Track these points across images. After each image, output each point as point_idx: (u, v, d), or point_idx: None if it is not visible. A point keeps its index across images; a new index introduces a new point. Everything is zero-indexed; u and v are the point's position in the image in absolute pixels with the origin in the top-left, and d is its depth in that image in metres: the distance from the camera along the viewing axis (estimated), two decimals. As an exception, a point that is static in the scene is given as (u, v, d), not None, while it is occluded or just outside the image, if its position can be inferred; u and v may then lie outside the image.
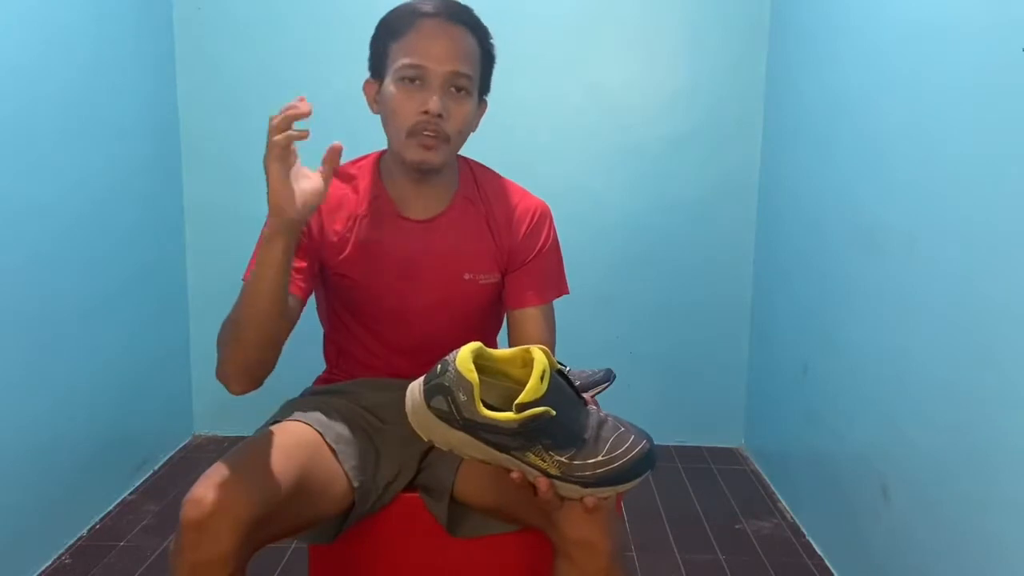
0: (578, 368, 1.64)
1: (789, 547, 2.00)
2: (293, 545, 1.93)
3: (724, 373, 2.65)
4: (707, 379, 2.65)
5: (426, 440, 0.91)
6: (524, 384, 0.85)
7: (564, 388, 0.89)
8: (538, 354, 0.87)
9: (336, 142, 0.99)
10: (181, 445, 2.59)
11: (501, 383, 0.92)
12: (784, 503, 2.25)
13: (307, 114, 0.93)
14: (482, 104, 1.24)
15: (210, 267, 2.60)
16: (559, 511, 0.98)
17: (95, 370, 2.07)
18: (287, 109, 0.93)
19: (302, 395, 1.30)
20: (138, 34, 2.30)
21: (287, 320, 1.09)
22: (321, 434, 1.12)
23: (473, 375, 0.85)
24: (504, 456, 0.88)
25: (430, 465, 1.22)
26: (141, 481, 2.31)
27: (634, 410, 2.57)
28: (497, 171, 1.33)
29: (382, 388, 1.26)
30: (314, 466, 1.07)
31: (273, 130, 0.93)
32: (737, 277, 2.60)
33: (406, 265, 1.23)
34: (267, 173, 0.95)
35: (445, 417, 0.87)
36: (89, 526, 2.04)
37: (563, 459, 0.87)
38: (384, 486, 1.19)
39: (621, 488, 0.89)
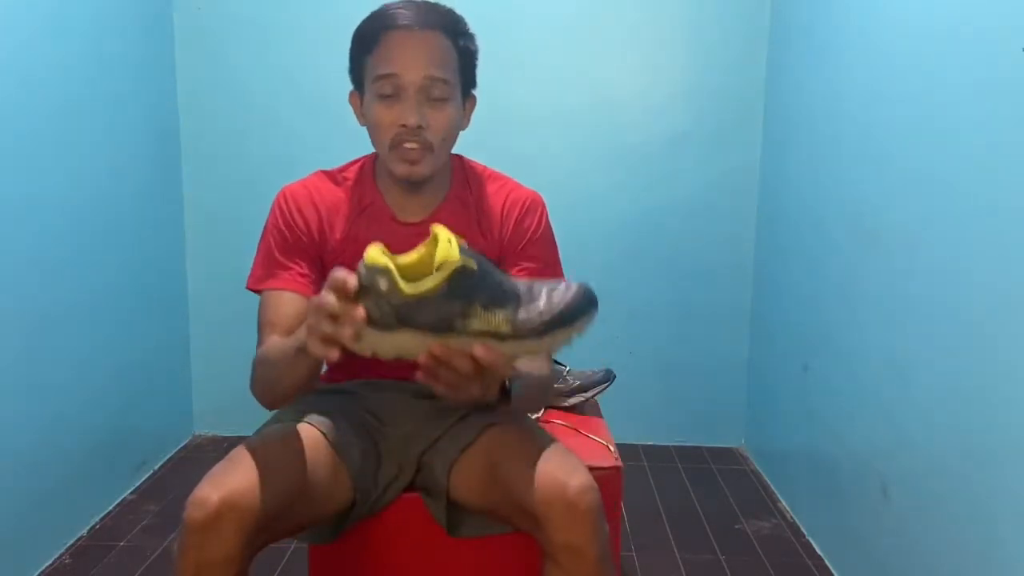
0: (578, 368, 1.64)
1: (789, 547, 2.00)
2: (293, 545, 1.92)
3: (724, 373, 2.65)
4: (707, 379, 2.65)
5: (370, 355, 0.87)
6: None
7: (478, 255, 0.87)
8: (439, 228, 0.85)
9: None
10: (181, 445, 2.59)
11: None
12: (784, 503, 2.25)
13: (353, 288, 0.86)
14: (470, 100, 1.23)
15: (210, 267, 2.60)
16: (546, 517, 0.98)
17: (95, 370, 2.07)
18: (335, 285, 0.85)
19: (303, 395, 1.30)
20: (138, 34, 2.30)
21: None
22: (324, 434, 1.12)
23: (383, 259, 0.83)
24: (452, 338, 0.85)
25: (427, 465, 1.22)
26: (141, 481, 2.31)
27: (634, 410, 2.59)
28: (494, 167, 1.32)
29: (382, 388, 1.26)
30: (317, 466, 1.07)
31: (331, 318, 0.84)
32: (737, 276, 2.60)
33: None
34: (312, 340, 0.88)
35: (379, 320, 0.84)
36: (89, 526, 2.03)
37: (508, 314, 0.85)
38: (384, 486, 1.19)
39: (575, 327, 0.87)
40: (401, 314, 0.84)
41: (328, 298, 0.84)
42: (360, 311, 0.83)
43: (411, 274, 0.86)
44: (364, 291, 0.84)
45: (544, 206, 1.28)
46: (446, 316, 0.84)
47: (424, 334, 0.85)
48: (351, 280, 0.84)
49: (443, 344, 0.86)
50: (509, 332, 0.85)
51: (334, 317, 0.83)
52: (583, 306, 0.87)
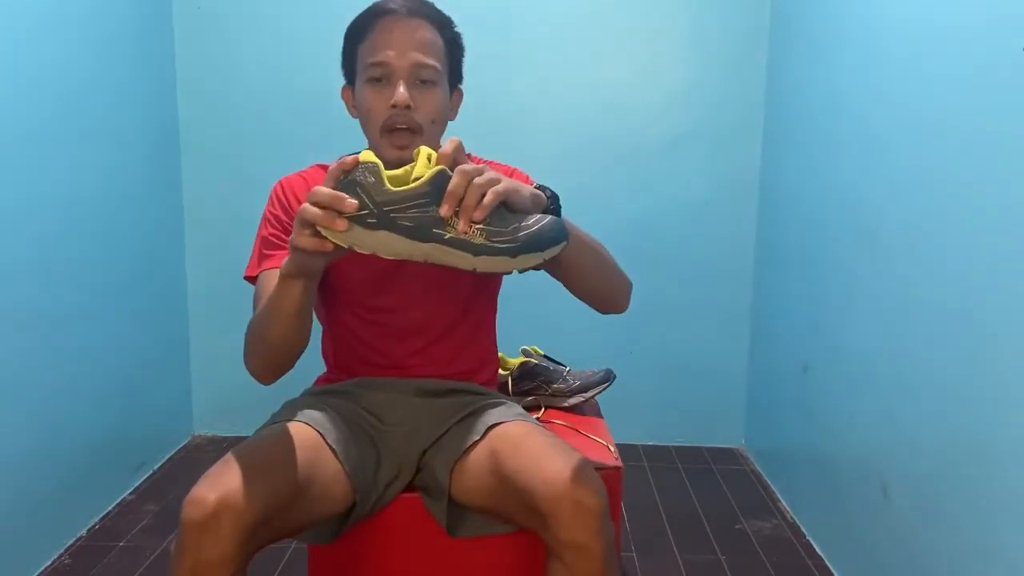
0: (578, 368, 1.64)
1: (789, 547, 2.00)
2: (293, 545, 1.93)
3: (724, 373, 2.65)
4: (707, 379, 2.65)
5: (347, 247, 0.89)
6: None
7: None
8: (422, 147, 0.92)
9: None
10: (181, 445, 2.59)
11: None
12: (784, 503, 2.25)
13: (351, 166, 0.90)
14: (457, 92, 1.26)
15: (210, 267, 2.60)
16: (552, 515, 0.98)
17: (95, 370, 2.07)
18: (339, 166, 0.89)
19: (302, 395, 1.30)
20: (138, 34, 2.30)
21: (311, 321, 1.09)
22: (322, 435, 1.12)
23: (374, 157, 0.89)
24: (428, 246, 0.89)
25: (427, 465, 1.22)
26: (141, 481, 2.31)
27: (634, 410, 2.60)
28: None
29: (381, 388, 1.26)
30: (315, 467, 1.07)
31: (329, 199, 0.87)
32: (737, 277, 2.60)
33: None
34: (304, 229, 0.90)
35: (365, 217, 0.88)
36: (89, 526, 2.04)
37: (483, 228, 0.89)
38: (384, 486, 1.19)
39: (544, 252, 0.91)
40: (385, 213, 0.88)
41: (322, 189, 0.88)
42: (352, 200, 0.87)
43: (396, 183, 0.92)
44: (353, 189, 0.88)
45: (526, 176, 1.30)
46: (426, 222, 0.89)
47: (403, 239, 0.89)
48: (347, 160, 0.88)
49: (417, 252, 0.90)
50: (483, 244, 0.89)
51: (325, 207, 0.87)
52: (555, 235, 0.92)
